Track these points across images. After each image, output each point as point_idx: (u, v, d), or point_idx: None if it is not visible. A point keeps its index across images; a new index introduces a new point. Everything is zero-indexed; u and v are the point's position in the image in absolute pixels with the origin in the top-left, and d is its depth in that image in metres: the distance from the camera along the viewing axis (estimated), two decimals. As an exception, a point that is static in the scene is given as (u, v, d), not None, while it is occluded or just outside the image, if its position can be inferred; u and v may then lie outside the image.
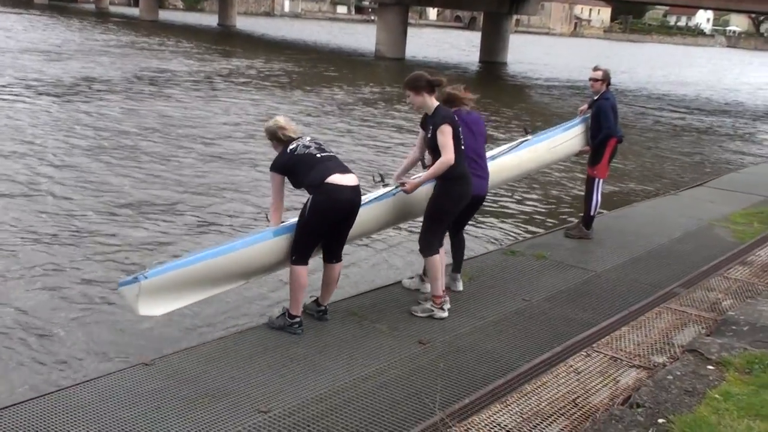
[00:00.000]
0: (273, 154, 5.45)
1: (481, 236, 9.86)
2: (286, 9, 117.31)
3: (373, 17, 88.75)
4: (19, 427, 3.92)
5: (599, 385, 4.24)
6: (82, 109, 18.12)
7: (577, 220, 8.74)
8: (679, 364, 4.29)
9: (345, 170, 5.20)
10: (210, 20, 73.86)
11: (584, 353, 4.70)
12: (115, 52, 34.28)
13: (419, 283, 6.29)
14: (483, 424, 3.77)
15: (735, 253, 7.40)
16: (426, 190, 5.70)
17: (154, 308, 4.88)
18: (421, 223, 5.79)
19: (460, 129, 5.51)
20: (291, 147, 5.25)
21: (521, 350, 5.21)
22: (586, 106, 8.14)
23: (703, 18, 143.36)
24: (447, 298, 5.79)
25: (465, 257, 6.48)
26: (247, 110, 20.09)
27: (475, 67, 44.92)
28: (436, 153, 5.48)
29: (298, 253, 5.20)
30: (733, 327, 4.90)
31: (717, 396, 3.82)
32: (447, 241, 6.03)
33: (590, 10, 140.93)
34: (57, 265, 7.82)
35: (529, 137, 7.40)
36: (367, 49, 48.85)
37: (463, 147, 5.52)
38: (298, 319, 5.30)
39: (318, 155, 5.19)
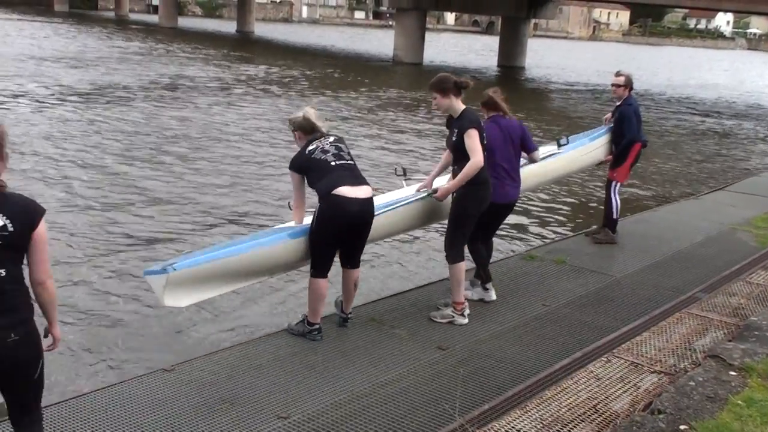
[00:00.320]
0: (290, 155, 5.45)
1: (500, 241, 9.80)
2: (304, 15, 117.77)
3: (391, 22, 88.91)
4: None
5: (620, 391, 4.21)
6: (104, 114, 18.29)
7: (596, 225, 8.69)
8: (701, 369, 4.25)
9: (357, 182, 5.11)
10: (228, 27, 74.25)
11: (604, 359, 4.67)
12: (136, 58, 34.56)
13: (483, 292, 6.19)
14: (503, 430, 3.76)
15: (757, 258, 7.33)
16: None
17: (179, 300, 4.85)
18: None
19: (485, 134, 5.49)
20: (310, 148, 5.17)
21: (541, 356, 5.18)
22: (610, 114, 8.10)
23: (723, 21, 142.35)
24: (467, 304, 5.77)
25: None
26: (267, 115, 20.18)
27: (494, 71, 44.82)
28: (458, 155, 5.48)
29: (315, 267, 5.20)
30: (756, 332, 4.85)
31: (740, 402, 3.78)
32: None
33: (609, 13, 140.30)
34: (77, 269, 7.87)
35: (561, 150, 7.36)
36: (385, 55, 48.92)
37: (485, 153, 5.48)
38: (317, 326, 5.30)
39: (332, 163, 5.09)
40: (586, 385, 4.28)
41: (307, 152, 5.17)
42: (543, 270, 7.11)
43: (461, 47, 70.17)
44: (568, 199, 12.68)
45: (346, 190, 5.00)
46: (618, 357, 4.69)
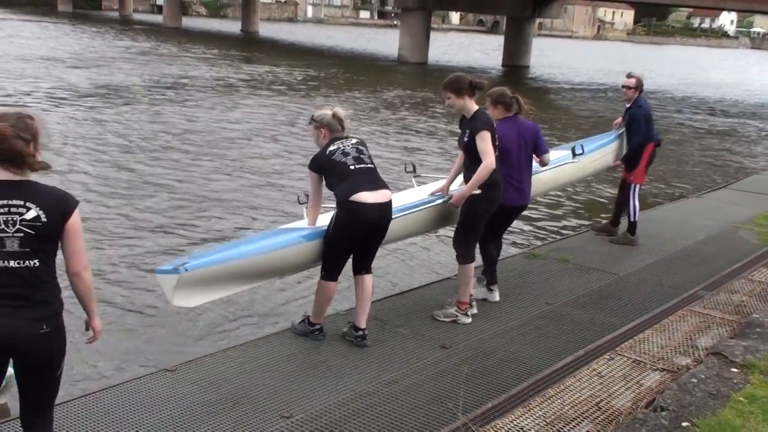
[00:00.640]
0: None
1: (504, 240, 9.80)
2: (309, 15, 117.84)
3: (396, 22, 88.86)
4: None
5: (622, 389, 4.22)
6: (110, 113, 18.37)
7: (604, 222, 8.67)
8: (703, 367, 4.26)
9: (376, 186, 5.00)
10: (233, 27, 74.30)
11: (607, 357, 4.69)
12: (140, 59, 34.62)
13: (487, 293, 6.18)
14: (506, 428, 3.77)
15: (759, 255, 7.34)
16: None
17: (189, 300, 4.82)
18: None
19: (497, 135, 5.48)
20: (331, 148, 5.04)
21: (544, 354, 5.20)
22: (620, 119, 8.07)
23: (727, 20, 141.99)
24: (474, 304, 5.78)
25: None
26: (272, 115, 20.21)
27: (498, 70, 44.80)
28: (469, 155, 5.45)
29: (326, 269, 5.13)
30: (758, 329, 4.86)
31: (742, 399, 3.80)
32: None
33: (613, 12, 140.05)
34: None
35: (576, 160, 7.35)
36: (390, 54, 48.90)
37: (498, 154, 5.46)
38: (318, 326, 5.28)
39: (352, 167, 4.96)
40: (589, 383, 4.29)
41: (327, 152, 5.04)
42: (546, 268, 7.12)
43: (466, 46, 70.12)
44: (572, 198, 12.68)
45: (364, 196, 4.90)
46: (621, 355, 4.70)
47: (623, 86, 7.85)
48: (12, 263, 2.92)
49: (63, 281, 3.12)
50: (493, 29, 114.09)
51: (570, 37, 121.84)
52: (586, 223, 10.95)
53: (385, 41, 63.85)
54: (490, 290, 6.17)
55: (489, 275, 6.19)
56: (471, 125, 5.40)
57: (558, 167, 7.14)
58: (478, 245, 5.85)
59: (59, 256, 3.08)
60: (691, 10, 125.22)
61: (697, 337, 5.02)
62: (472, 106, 5.45)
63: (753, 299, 5.88)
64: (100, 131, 16.10)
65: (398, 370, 4.87)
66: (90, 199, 10.53)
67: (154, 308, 7.00)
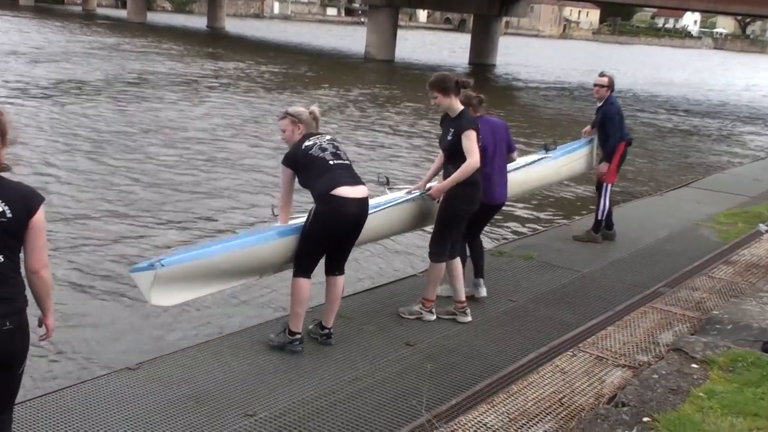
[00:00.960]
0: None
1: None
2: (276, 11, 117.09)
3: (363, 19, 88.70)
4: None
5: (585, 385, 4.26)
6: (72, 110, 18.09)
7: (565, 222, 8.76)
8: (664, 363, 4.32)
9: (355, 181, 4.93)
10: (199, 22, 73.58)
11: (570, 353, 4.72)
12: (103, 54, 34.14)
13: (448, 289, 6.16)
14: (470, 425, 3.78)
15: (719, 253, 7.45)
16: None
17: (166, 298, 4.70)
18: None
19: (481, 136, 5.48)
20: (307, 144, 4.95)
21: (508, 351, 5.23)
22: (589, 127, 8.13)
23: (691, 20, 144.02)
24: (466, 311, 5.76)
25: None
26: (238, 112, 20.07)
27: (465, 68, 44.96)
28: (452, 155, 5.42)
29: (299, 266, 4.97)
30: (717, 326, 4.94)
31: (701, 394, 3.85)
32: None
33: (579, 12, 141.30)
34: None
35: (549, 155, 7.38)
36: (357, 51, 48.82)
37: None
38: (298, 336, 5.05)
39: (331, 162, 4.89)
40: (552, 379, 4.32)
41: (304, 147, 4.94)
42: (511, 266, 7.17)
43: (433, 44, 70.23)
44: (538, 195, 12.75)
45: (344, 191, 4.81)
46: (583, 351, 4.74)
47: (595, 84, 7.88)
48: None
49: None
50: (460, 27, 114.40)
51: (536, 36, 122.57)
52: (551, 220, 11.05)
53: (352, 38, 63.75)
54: (477, 286, 6.18)
55: (475, 269, 6.18)
56: (456, 124, 5.37)
57: (531, 166, 7.17)
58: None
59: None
60: (655, 10, 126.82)
61: (659, 333, 5.08)
62: (458, 105, 5.42)
63: (713, 296, 5.97)
64: (65, 126, 15.88)
65: (362, 367, 4.87)
66: (47, 196, 10.38)
67: (116, 306, 6.92)
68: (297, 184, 5.10)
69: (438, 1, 56.88)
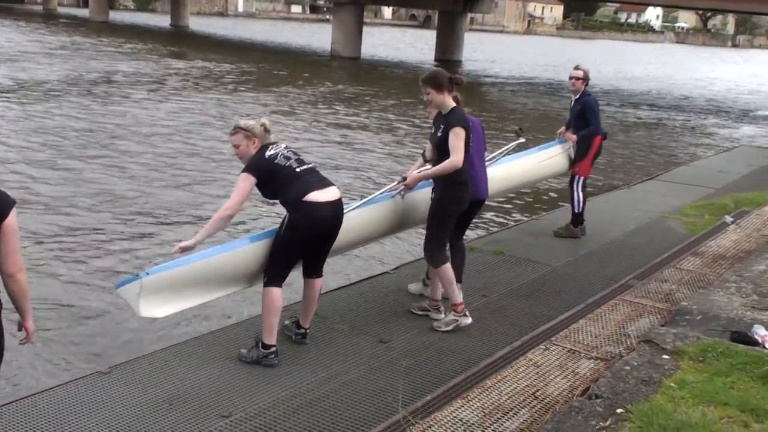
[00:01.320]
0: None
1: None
2: (240, 9, 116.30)
3: (328, 16, 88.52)
4: (-27, 439, 3.84)
5: (558, 378, 4.29)
6: (36, 110, 17.82)
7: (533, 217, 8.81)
8: (636, 354, 4.37)
9: (324, 184, 4.83)
10: (162, 21, 72.87)
11: (543, 347, 4.76)
12: (64, 53, 33.65)
13: (422, 288, 6.16)
14: (445, 420, 3.80)
15: (687, 245, 7.55)
16: (425, 197, 5.60)
17: (155, 308, 4.60)
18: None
19: (471, 135, 5.42)
20: (269, 153, 4.80)
21: (481, 345, 5.25)
22: (563, 128, 8.15)
23: (653, 15, 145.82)
24: (463, 304, 5.63)
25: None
26: (204, 110, 19.90)
27: (431, 65, 45.08)
28: (441, 152, 5.36)
29: (271, 274, 4.81)
30: (687, 317, 5.00)
31: (672, 384, 3.90)
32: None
33: (543, 7, 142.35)
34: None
35: (522, 139, 7.34)
36: (323, 49, 48.72)
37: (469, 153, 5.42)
38: (273, 349, 4.85)
39: (297, 169, 4.78)
40: (526, 373, 4.35)
41: (267, 157, 4.79)
42: (482, 261, 7.19)
43: (399, 41, 70.30)
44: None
45: (317, 195, 4.72)
46: (556, 345, 4.78)
47: (571, 77, 7.89)
48: None
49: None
50: (425, 24, 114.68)
51: (501, 31, 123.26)
52: (520, 215, 11.12)
53: (317, 36, 63.55)
54: (426, 285, 6.18)
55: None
56: (446, 120, 5.31)
57: (512, 159, 7.15)
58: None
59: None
60: (618, 5, 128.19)
61: (629, 325, 5.14)
62: (450, 102, 5.36)
63: (682, 287, 6.05)
64: (28, 127, 15.61)
65: (337, 365, 4.86)
66: (20, 196, 10.20)
67: (87, 310, 6.83)
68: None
69: (403, -2, 57.07)
